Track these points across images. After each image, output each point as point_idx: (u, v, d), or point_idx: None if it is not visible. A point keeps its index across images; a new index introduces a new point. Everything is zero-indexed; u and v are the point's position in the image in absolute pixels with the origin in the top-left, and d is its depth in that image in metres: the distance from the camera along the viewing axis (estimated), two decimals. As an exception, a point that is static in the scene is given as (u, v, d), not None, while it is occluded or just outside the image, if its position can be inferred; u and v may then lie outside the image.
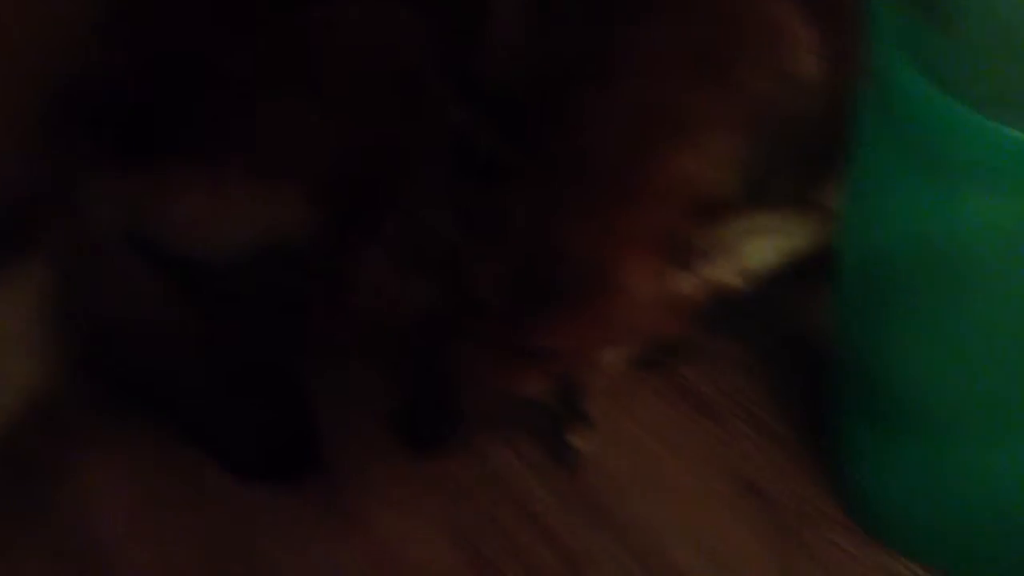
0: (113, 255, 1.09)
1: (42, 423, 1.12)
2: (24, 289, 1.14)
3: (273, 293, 1.13)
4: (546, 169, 1.04)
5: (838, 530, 1.07)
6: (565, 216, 1.02)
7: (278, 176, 1.08)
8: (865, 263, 0.96)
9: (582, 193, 1.02)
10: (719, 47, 1.05)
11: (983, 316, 0.87)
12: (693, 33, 1.05)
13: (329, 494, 1.10)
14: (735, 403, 1.19)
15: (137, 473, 1.10)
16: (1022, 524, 0.98)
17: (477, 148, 1.09)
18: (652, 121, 1.03)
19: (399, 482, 1.11)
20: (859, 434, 1.07)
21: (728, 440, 1.16)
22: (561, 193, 1.03)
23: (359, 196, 1.11)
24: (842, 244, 1.00)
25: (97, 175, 1.08)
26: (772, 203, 1.00)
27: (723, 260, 1.01)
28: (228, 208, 1.08)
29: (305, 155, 1.08)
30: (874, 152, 0.91)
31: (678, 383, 1.21)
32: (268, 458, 1.09)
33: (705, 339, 1.17)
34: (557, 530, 1.08)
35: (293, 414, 1.11)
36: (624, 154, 1.02)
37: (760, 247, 1.00)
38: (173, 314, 1.11)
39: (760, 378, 1.21)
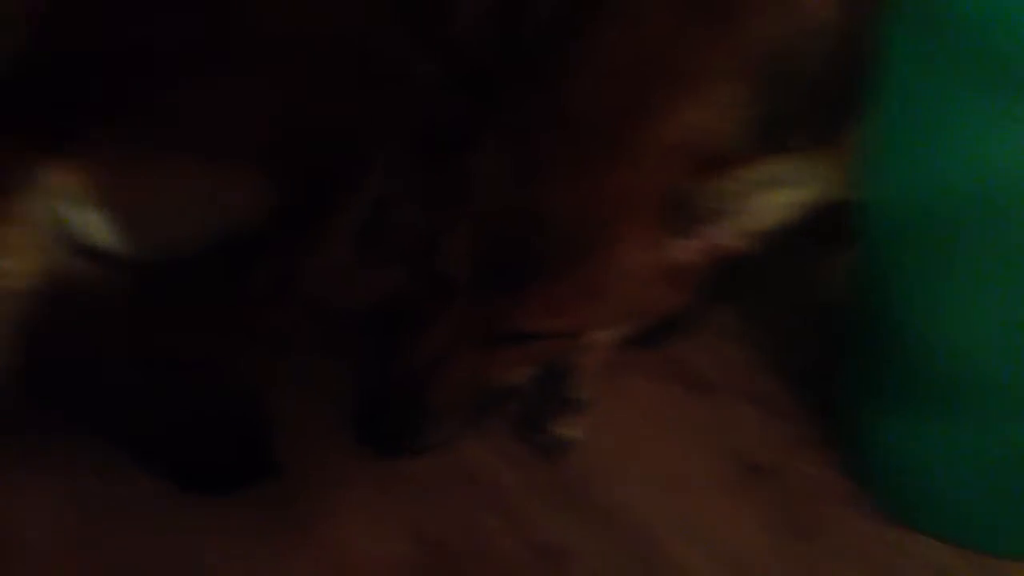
0: (55, 258, 0.99)
1: None
2: None
3: (225, 283, 1.03)
4: (521, 127, 0.92)
5: (850, 510, 1.00)
6: (544, 177, 0.90)
7: (226, 156, 0.98)
8: (900, 214, 0.86)
9: (563, 151, 0.90)
10: None
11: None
12: None
13: (281, 499, 0.99)
14: (734, 378, 1.10)
15: (70, 479, 1.00)
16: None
17: (443, 108, 0.98)
18: (644, 68, 0.91)
19: (358, 481, 1.00)
20: (879, 407, 0.99)
21: (728, 419, 1.07)
22: (538, 152, 0.91)
23: (314, 174, 1.02)
24: (868, 194, 0.90)
25: (29, 167, 0.97)
26: (781, 151, 0.88)
27: (726, 220, 0.89)
28: (172, 194, 0.99)
29: (253, 132, 0.98)
30: (913, 78, 0.80)
31: (671, 357, 1.12)
32: (216, 468, 0.99)
33: (701, 308, 1.06)
34: (536, 523, 0.99)
35: (244, 418, 1.01)
36: (612, 106, 0.90)
37: (768, 202, 0.88)
38: (115, 309, 1.00)
39: (762, 350, 1.12)
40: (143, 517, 0.97)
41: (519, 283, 0.89)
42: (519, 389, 0.98)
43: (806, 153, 0.86)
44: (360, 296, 1.09)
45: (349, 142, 1.02)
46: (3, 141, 0.98)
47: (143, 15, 0.99)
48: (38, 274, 0.99)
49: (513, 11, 1.01)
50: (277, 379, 1.04)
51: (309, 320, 1.07)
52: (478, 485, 1.01)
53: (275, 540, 0.96)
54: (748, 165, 0.86)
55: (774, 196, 0.87)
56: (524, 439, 1.02)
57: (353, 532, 0.97)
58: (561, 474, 1.01)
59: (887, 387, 0.96)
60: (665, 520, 0.99)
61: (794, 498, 1.01)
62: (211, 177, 0.99)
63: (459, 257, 0.91)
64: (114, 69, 0.97)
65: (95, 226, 1.00)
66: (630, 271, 0.89)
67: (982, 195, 0.77)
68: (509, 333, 0.92)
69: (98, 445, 0.99)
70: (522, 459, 1.02)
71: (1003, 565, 0.95)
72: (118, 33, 0.98)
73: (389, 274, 1.09)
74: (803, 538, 0.98)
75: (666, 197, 0.88)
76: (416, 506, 0.99)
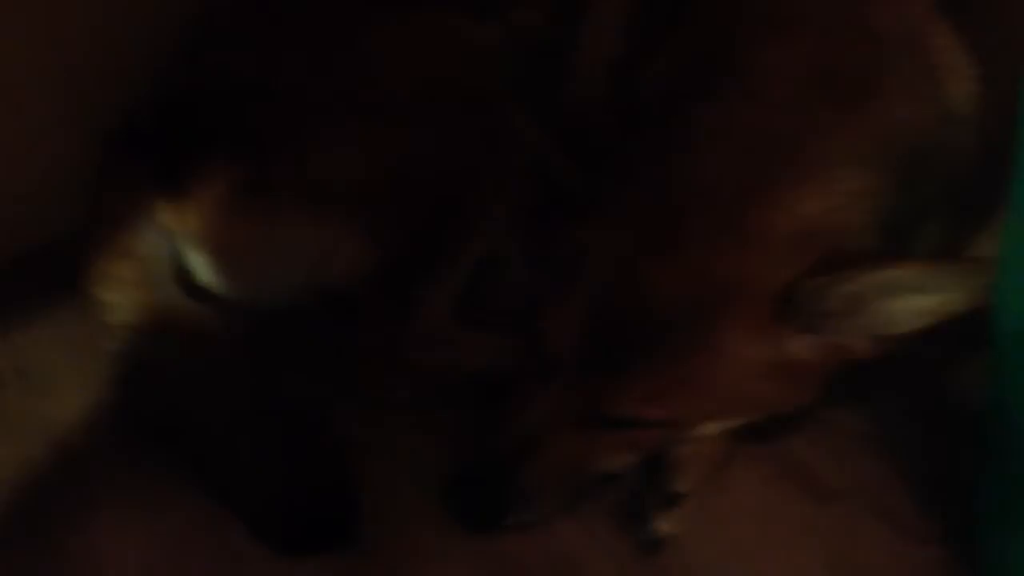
0: (162, 293, 1.03)
1: (66, 466, 1.04)
2: (65, 324, 1.13)
3: (322, 339, 1.04)
4: (635, 203, 0.90)
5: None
6: (655, 258, 0.87)
7: (332, 205, 1.00)
8: None
9: (675, 230, 0.87)
10: (856, 67, 0.89)
11: None
12: (826, 49, 0.90)
13: (365, 569, 0.96)
14: (860, 487, 1.02)
15: (159, 531, 0.99)
16: None
17: (556, 180, 0.97)
18: (765, 148, 0.88)
19: (447, 559, 0.97)
20: (1016, 531, 0.89)
21: (845, 531, 0.99)
22: (651, 231, 0.88)
23: (420, 233, 1.02)
24: (1004, 300, 0.83)
25: (146, 205, 1.03)
26: (915, 254, 0.82)
27: (852, 322, 0.83)
28: (278, 243, 1.01)
29: (362, 184, 1.00)
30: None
31: (785, 457, 1.04)
32: (303, 528, 0.96)
33: (821, 408, 0.99)
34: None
35: (335, 482, 0.99)
36: (732, 188, 0.87)
37: (898, 308, 0.83)
38: (219, 358, 1.02)
39: (888, 456, 1.04)
40: (229, 572, 0.96)
41: (623, 365, 0.86)
42: (619, 477, 0.95)
43: (940, 262, 0.81)
44: (459, 363, 1.06)
45: (456, 204, 1.02)
46: (129, 177, 1.03)
47: (275, 62, 1.02)
48: (146, 310, 1.02)
49: (628, 81, 0.99)
50: (371, 446, 1.03)
51: (408, 385, 1.05)
52: (572, 572, 0.96)
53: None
54: (877, 268, 0.81)
55: (902, 302, 0.82)
56: (625, 530, 0.97)
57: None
58: (657, 572, 0.95)
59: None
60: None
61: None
62: (318, 229, 1.00)
63: (565, 334, 0.89)
64: (242, 110, 1.00)
65: (202, 265, 1.03)
66: (739, 362, 0.85)
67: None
68: (609, 417, 0.89)
69: (195, 492, 0.99)
70: (619, 550, 0.97)
71: None
72: (251, 74, 1.02)
73: (490, 342, 1.07)
74: None
75: (784, 290, 0.84)
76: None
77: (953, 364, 1.03)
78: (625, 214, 0.90)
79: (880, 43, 0.92)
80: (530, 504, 0.92)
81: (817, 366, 0.86)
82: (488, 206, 1.04)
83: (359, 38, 1.03)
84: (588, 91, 1.03)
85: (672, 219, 0.87)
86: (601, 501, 0.98)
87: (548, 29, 1.07)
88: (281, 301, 1.05)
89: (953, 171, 0.93)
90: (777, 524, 0.99)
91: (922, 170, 0.90)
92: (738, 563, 0.96)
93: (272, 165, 1.00)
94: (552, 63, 1.06)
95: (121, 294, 1.03)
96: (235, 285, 1.04)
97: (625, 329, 0.86)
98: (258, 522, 0.96)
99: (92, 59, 1.17)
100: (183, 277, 1.05)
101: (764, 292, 0.84)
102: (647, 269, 0.86)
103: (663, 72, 0.98)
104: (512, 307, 1.06)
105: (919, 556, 0.96)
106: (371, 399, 1.05)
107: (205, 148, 1.01)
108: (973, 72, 0.95)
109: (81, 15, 1.14)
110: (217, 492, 0.98)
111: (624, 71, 1.02)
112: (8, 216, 1.17)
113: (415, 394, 1.06)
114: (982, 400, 0.93)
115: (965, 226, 0.94)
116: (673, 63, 0.98)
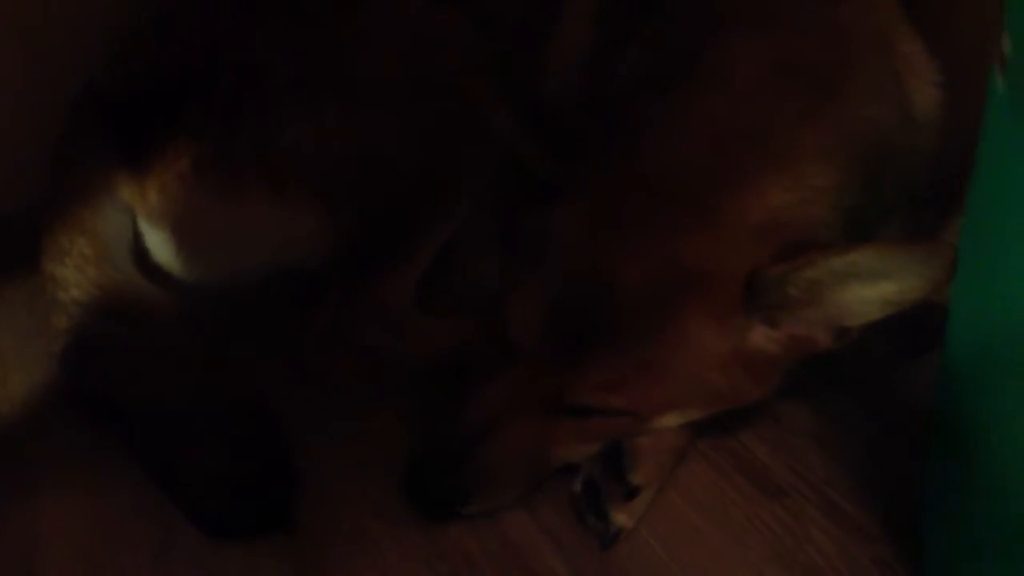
0: (117, 271, 1.01)
1: (7, 446, 1.02)
2: (14, 303, 1.12)
3: (275, 320, 1.02)
4: (600, 190, 0.90)
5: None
6: (618, 241, 0.87)
7: (296, 185, 1.00)
8: (991, 325, 0.79)
9: (639, 215, 0.87)
10: (823, 64, 0.90)
11: None
12: (795, 45, 0.91)
13: (313, 560, 0.94)
14: (803, 480, 1.02)
15: (97, 511, 0.97)
16: None
17: (526, 166, 0.96)
18: (732, 138, 0.89)
19: (394, 547, 0.95)
20: (963, 533, 0.89)
21: (792, 525, 0.99)
22: (615, 217, 0.88)
23: (384, 216, 1.02)
24: (959, 299, 0.83)
25: (107, 178, 1.02)
26: (876, 243, 0.82)
27: (813, 311, 0.84)
28: (239, 220, 1.01)
29: (327, 165, 1.00)
30: (1014, 188, 0.73)
31: (733, 450, 1.04)
32: (240, 510, 0.94)
33: (773, 403, 1.01)
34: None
35: (272, 464, 0.96)
36: (695, 174, 0.88)
37: (858, 296, 0.83)
38: (167, 339, 1.00)
39: (837, 453, 1.04)
40: (164, 562, 0.93)
41: (585, 352, 0.86)
42: (573, 466, 0.94)
43: (900, 246, 0.81)
44: (418, 348, 1.05)
45: (422, 188, 1.01)
46: (91, 148, 1.00)
47: (247, 38, 1.01)
48: (98, 288, 0.99)
49: (598, 68, 0.99)
50: (319, 430, 1.01)
51: (364, 370, 1.04)
52: (520, 563, 0.94)
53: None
54: (839, 254, 0.81)
55: (866, 289, 0.82)
56: (579, 521, 0.96)
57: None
58: (607, 563, 0.94)
59: (968, 515, 0.87)
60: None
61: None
62: (280, 209, 0.99)
63: (527, 320, 0.88)
64: (212, 83, 0.99)
65: (160, 244, 1.00)
66: (701, 352, 0.85)
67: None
68: (570, 404, 0.88)
69: (135, 475, 0.96)
70: (568, 541, 0.96)
71: None
72: (221, 50, 1.01)
73: (449, 328, 1.06)
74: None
75: (748, 280, 0.84)
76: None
77: (904, 363, 1.04)
78: (589, 201, 0.89)
79: (848, 43, 0.93)
80: (487, 492, 0.91)
81: (778, 358, 0.87)
82: (455, 191, 1.03)
83: (333, 20, 1.02)
84: (561, 79, 1.03)
85: (638, 206, 0.87)
86: (548, 489, 0.97)
87: (522, 17, 1.06)
88: (239, 281, 1.03)
89: (912, 173, 0.95)
90: (724, 518, 0.99)
91: (883, 170, 0.91)
92: (685, 555, 0.96)
93: (236, 142, 0.99)
94: (525, 51, 1.05)
95: (75, 270, 1.00)
96: (193, 265, 1.02)
97: (587, 315, 0.86)
98: (194, 504, 0.94)
99: (48, 31, 1.15)
100: (140, 256, 1.03)
101: (729, 281, 0.84)
102: (610, 255, 0.86)
103: (635, 62, 0.98)
104: (474, 290, 1.06)
105: (864, 553, 0.96)
106: (318, 382, 1.04)
107: (169, 123, 0.99)
108: (936, 78, 0.96)
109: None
110: (155, 473, 0.95)
111: (596, 61, 1.02)
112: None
113: (374, 379, 1.04)
114: (930, 400, 0.94)
115: (923, 229, 0.96)
116: (645, 53, 0.98)
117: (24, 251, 1.05)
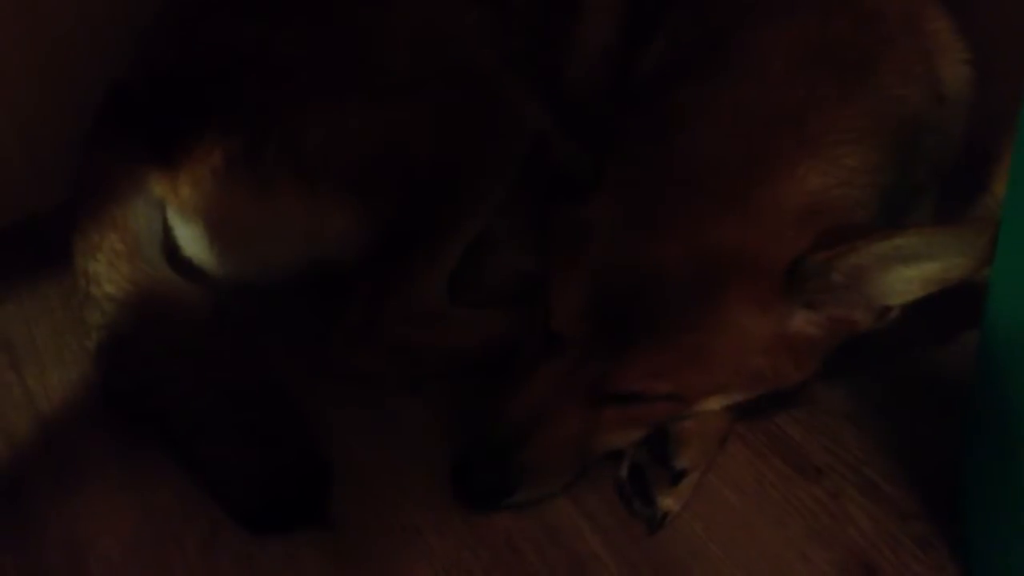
0: (149, 266, 1.02)
1: (49, 442, 1.03)
2: (51, 299, 1.13)
3: (313, 316, 1.02)
4: (637, 180, 0.91)
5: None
6: (657, 231, 0.87)
7: (326, 180, 1.00)
8: None
9: (677, 205, 0.87)
10: (854, 46, 0.91)
11: None
12: (825, 28, 0.91)
13: (354, 551, 0.95)
14: (839, 460, 1.03)
15: (141, 508, 0.98)
16: None
17: (557, 155, 0.96)
18: (766, 124, 0.89)
19: (435, 534, 0.96)
20: (1005, 510, 0.90)
21: (830, 504, 1.00)
22: (655, 206, 0.88)
23: (415, 210, 1.01)
24: (995, 284, 0.83)
25: (139, 175, 1.02)
26: (921, 227, 0.82)
27: (856, 294, 0.84)
28: (271, 216, 1.00)
29: (357, 160, 1.00)
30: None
31: (769, 431, 1.05)
32: (276, 505, 0.95)
33: (811, 384, 1.01)
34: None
35: (307, 458, 0.97)
36: (737, 164, 0.88)
37: (902, 277, 0.83)
38: (200, 334, 1.00)
39: (872, 433, 1.04)
40: (207, 559, 0.94)
41: (628, 341, 0.87)
42: (618, 453, 0.95)
43: (947, 228, 0.82)
44: (450, 341, 1.06)
45: (453, 181, 1.01)
46: (121, 146, 1.00)
47: (272, 36, 1.01)
48: (131, 283, 0.99)
49: (627, 57, 0.99)
50: (371, 423, 1.02)
51: (395, 364, 1.04)
52: (562, 546, 0.96)
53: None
54: (884, 239, 0.81)
55: (910, 270, 0.82)
56: (625, 506, 0.96)
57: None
58: (649, 549, 0.95)
59: (1011, 493, 0.88)
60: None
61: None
62: (311, 204, 0.99)
63: (570, 311, 0.89)
64: (241, 80, 0.99)
65: (193, 238, 1.01)
66: (745, 337, 0.86)
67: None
68: (615, 392, 0.89)
69: (174, 471, 0.98)
70: (609, 524, 0.97)
71: None
72: (248, 48, 1.01)
73: (481, 320, 1.07)
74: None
75: (791, 266, 0.85)
76: (496, 564, 0.94)
77: (940, 342, 1.04)
78: (628, 191, 0.90)
79: (878, 24, 0.93)
80: (534, 483, 0.92)
81: (820, 340, 0.88)
82: (485, 184, 1.03)
83: (358, 16, 1.02)
84: (588, 70, 1.03)
85: (677, 195, 0.87)
86: (591, 476, 0.98)
87: (546, 8, 1.06)
88: (270, 276, 1.03)
89: (943, 151, 0.95)
90: (763, 499, 1.00)
91: (916, 149, 0.91)
92: (725, 536, 0.97)
93: (267, 139, 0.99)
94: (551, 42, 1.05)
95: (107, 265, 1.00)
96: (225, 259, 1.03)
97: (631, 304, 0.86)
98: (230, 500, 0.95)
99: (74, 33, 1.15)
100: (171, 251, 1.04)
101: (770, 266, 0.85)
102: (652, 244, 0.87)
103: (662, 51, 0.99)
104: (506, 286, 1.06)
105: (904, 531, 0.97)
106: (350, 377, 1.04)
107: (200, 120, 0.99)
108: (965, 56, 0.97)
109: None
110: (191, 468, 0.97)
111: (624, 51, 1.02)
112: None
113: (414, 373, 1.05)
114: (965, 378, 0.94)
115: (953, 207, 0.96)
116: (672, 42, 0.98)
117: (58, 248, 1.05)
